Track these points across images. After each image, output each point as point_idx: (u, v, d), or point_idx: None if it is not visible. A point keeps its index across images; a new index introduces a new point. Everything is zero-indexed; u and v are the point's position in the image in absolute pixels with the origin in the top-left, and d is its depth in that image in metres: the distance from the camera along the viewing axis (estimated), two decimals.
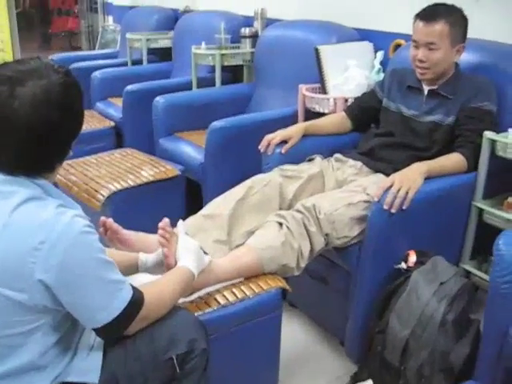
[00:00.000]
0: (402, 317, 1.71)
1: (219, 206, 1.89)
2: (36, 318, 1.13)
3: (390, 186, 1.77)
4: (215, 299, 1.57)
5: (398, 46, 2.63)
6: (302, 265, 1.77)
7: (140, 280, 1.45)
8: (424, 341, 1.68)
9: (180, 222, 1.54)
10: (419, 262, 1.79)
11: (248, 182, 1.97)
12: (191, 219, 1.85)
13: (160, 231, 1.52)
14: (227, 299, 1.58)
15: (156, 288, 1.31)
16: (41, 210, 1.11)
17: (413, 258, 1.80)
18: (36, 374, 1.16)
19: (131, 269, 1.57)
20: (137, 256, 1.59)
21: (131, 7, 4.91)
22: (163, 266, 1.54)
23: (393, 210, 1.74)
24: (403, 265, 1.79)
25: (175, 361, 1.27)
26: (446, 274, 1.76)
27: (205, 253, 1.74)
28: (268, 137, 2.19)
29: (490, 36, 2.21)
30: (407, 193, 1.76)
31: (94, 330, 1.18)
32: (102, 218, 1.66)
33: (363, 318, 1.87)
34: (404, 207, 1.76)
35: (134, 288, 1.22)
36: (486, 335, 1.56)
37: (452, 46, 1.97)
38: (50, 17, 9.65)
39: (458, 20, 1.96)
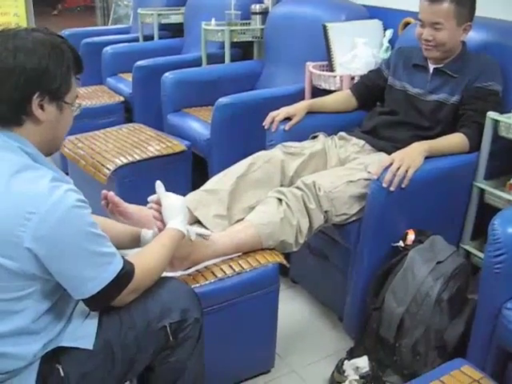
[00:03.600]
0: (398, 294, 1.72)
1: (220, 181, 1.90)
2: (27, 285, 1.15)
3: (390, 165, 1.78)
4: (212, 272, 1.60)
5: (407, 24, 2.60)
6: (301, 241, 1.79)
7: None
8: (419, 318, 1.70)
9: (157, 182, 1.55)
10: (417, 241, 1.80)
11: (250, 159, 1.98)
12: (192, 194, 1.87)
13: (153, 205, 1.53)
14: (224, 272, 1.60)
15: (146, 258, 1.33)
16: (36, 181, 1.13)
17: (411, 236, 1.81)
18: (29, 337, 1.18)
19: (134, 242, 1.60)
20: (139, 231, 1.62)
21: None
22: None
23: (392, 188, 1.75)
24: (401, 243, 1.80)
25: (168, 329, 1.31)
26: (443, 254, 1.76)
27: (205, 227, 1.78)
28: (272, 114, 2.20)
29: (499, 14, 2.17)
30: (407, 171, 1.77)
31: (82, 300, 1.21)
32: (104, 191, 1.69)
33: (361, 295, 1.88)
34: (403, 185, 1.76)
35: (125, 261, 1.23)
36: (480, 314, 1.57)
37: (458, 25, 1.94)
38: None
39: None
